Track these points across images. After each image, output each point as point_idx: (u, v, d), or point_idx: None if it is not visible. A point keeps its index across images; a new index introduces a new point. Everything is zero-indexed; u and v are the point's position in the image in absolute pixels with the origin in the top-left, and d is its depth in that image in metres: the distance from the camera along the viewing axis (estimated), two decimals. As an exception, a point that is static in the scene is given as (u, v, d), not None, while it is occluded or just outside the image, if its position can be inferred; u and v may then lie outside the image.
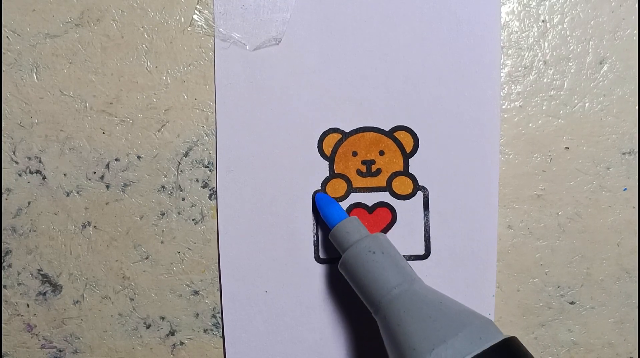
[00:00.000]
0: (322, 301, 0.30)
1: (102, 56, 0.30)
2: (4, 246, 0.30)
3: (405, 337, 0.24)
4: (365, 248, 0.26)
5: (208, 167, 0.30)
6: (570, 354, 0.31)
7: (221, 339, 0.31)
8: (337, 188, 0.30)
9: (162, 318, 0.31)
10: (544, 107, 0.30)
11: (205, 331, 0.31)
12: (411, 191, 0.30)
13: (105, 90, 0.30)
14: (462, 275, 0.30)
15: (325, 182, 0.30)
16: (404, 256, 0.30)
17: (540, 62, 0.30)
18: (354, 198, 0.30)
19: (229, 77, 0.30)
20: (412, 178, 0.30)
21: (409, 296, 0.25)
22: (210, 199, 0.30)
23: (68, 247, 0.30)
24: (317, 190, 0.30)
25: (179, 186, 0.30)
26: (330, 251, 0.30)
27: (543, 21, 0.30)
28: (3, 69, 0.30)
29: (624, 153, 0.30)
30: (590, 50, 0.30)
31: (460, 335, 0.23)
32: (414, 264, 0.30)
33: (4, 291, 0.31)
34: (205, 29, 0.30)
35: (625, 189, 0.30)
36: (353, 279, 0.27)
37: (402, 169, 0.30)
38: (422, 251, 0.30)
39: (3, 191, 0.30)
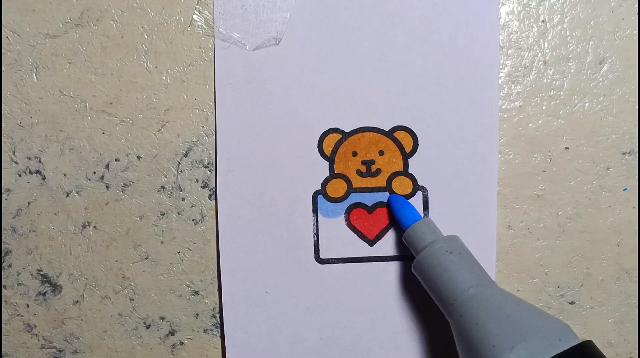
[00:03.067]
0: (322, 302, 0.30)
1: (101, 56, 0.30)
2: (4, 246, 0.30)
3: (483, 335, 0.24)
4: (442, 248, 0.27)
5: (208, 167, 0.30)
6: (570, 354, 0.31)
7: (221, 339, 0.31)
8: (337, 188, 0.30)
9: (162, 318, 0.31)
10: (543, 107, 0.30)
11: (205, 331, 0.31)
12: (411, 191, 0.30)
13: (105, 90, 0.30)
14: (462, 275, 0.30)
15: (325, 182, 0.30)
16: (403, 256, 0.30)
17: (540, 62, 0.30)
18: (354, 198, 0.30)
19: (228, 77, 0.30)
20: (412, 178, 0.30)
21: (486, 296, 0.25)
22: (210, 200, 0.30)
23: (68, 247, 0.30)
24: (391, 193, 0.30)
25: (179, 186, 0.30)
26: (331, 252, 0.30)
27: (543, 21, 0.30)
28: (3, 69, 0.30)
29: (623, 153, 0.30)
30: (590, 50, 0.30)
31: (540, 335, 0.23)
32: (413, 264, 0.30)
33: (4, 291, 0.31)
34: (205, 29, 0.30)
35: (625, 189, 0.30)
36: (428, 279, 0.27)
37: (401, 169, 0.30)
38: (422, 251, 0.30)
39: (3, 191, 0.30)
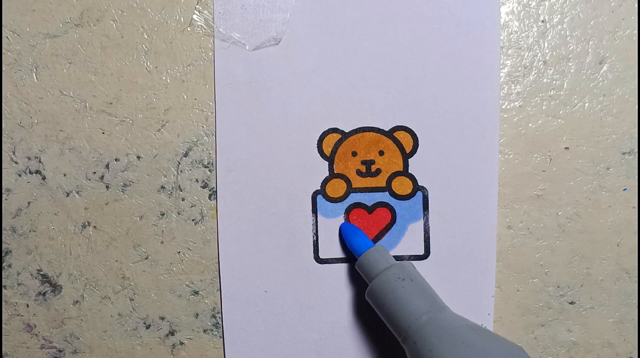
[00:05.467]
0: (322, 301, 0.30)
1: (101, 56, 0.30)
2: (4, 246, 0.30)
3: None
4: (394, 275, 0.27)
5: (208, 167, 0.30)
6: (570, 354, 0.31)
7: (221, 339, 0.31)
8: (336, 188, 0.30)
9: (162, 318, 0.31)
10: (543, 107, 0.30)
11: (205, 331, 0.31)
12: (411, 191, 0.30)
13: (105, 90, 0.30)
14: (462, 275, 0.30)
15: (325, 182, 0.30)
16: (403, 256, 0.30)
17: (540, 62, 0.30)
18: (354, 198, 0.30)
19: (228, 77, 0.30)
20: (412, 178, 0.30)
21: (439, 322, 0.25)
22: (210, 200, 0.30)
23: (68, 247, 0.30)
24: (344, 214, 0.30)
25: (179, 186, 0.30)
26: (330, 252, 0.30)
27: (543, 21, 0.30)
28: (3, 69, 0.30)
29: (623, 153, 0.30)
30: (590, 50, 0.30)
31: None
32: (413, 264, 0.30)
33: (4, 291, 0.31)
34: (204, 29, 0.30)
35: (625, 189, 0.30)
36: (381, 306, 0.27)
37: (401, 170, 0.30)
38: (421, 251, 0.30)
39: (3, 191, 0.30)
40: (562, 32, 0.30)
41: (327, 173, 0.30)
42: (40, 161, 0.30)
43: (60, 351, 0.31)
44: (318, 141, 0.30)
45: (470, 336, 0.24)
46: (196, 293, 0.31)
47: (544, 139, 0.30)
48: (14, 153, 0.30)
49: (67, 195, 0.30)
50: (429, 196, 0.30)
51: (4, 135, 0.30)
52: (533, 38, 0.30)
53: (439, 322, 0.25)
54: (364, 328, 0.30)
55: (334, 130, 0.30)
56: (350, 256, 0.30)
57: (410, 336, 0.25)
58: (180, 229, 0.30)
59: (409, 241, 0.30)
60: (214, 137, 0.30)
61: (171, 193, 0.30)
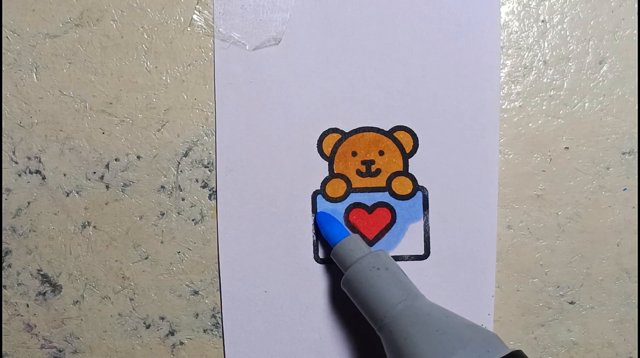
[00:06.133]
0: (322, 301, 0.30)
1: (101, 56, 0.30)
2: (4, 246, 0.30)
3: (413, 351, 0.24)
4: (369, 264, 0.27)
5: (208, 167, 0.30)
6: (570, 354, 0.31)
7: (221, 339, 0.31)
8: (336, 188, 0.30)
9: (162, 318, 0.31)
10: (543, 107, 0.30)
11: (205, 331, 0.31)
12: (411, 191, 0.30)
13: (105, 90, 0.30)
14: (462, 275, 0.30)
15: (324, 182, 0.30)
16: (403, 256, 0.30)
17: (540, 62, 0.30)
18: (354, 198, 0.30)
19: (228, 77, 0.30)
20: (412, 178, 0.30)
21: (414, 311, 0.25)
22: (210, 199, 0.30)
23: (68, 247, 0.30)
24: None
25: (179, 186, 0.30)
26: (330, 251, 0.30)
27: (543, 21, 0.30)
28: (3, 69, 0.30)
29: (623, 153, 0.30)
30: (590, 50, 0.30)
31: (469, 347, 0.23)
32: (413, 264, 0.30)
33: (4, 291, 0.31)
34: (204, 29, 0.30)
35: (625, 189, 0.30)
36: (357, 296, 0.27)
37: (401, 169, 0.30)
38: (421, 251, 0.30)
39: (3, 191, 0.30)
40: (562, 32, 0.30)
41: (327, 173, 0.30)
42: (40, 161, 0.30)
43: (60, 351, 0.31)
44: (318, 141, 0.30)
45: (445, 323, 0.24)
46: (196, 293, 0.31)
47: (544, 139, 0.30)
48: (14, 153, 0.30)
49: (67, 195, 0.30)
50: (429, 196, 0.30)
51: (4, 135, 0.30)
52: (533, 38, 0.30)
53: (414, 310, 0.25)
54: (364, 328, 0.30)
55: (334, 130, 0.30)
56: (350, 256, 0.30)
57: (386, 325, 0.25)
58: (180, 229, 0.30)
59: (409, 241, 0.30)
60: (214, 137, 0.30)
61: (171, 193, 0.30)
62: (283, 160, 0.30)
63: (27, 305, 0.31)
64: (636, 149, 0.30)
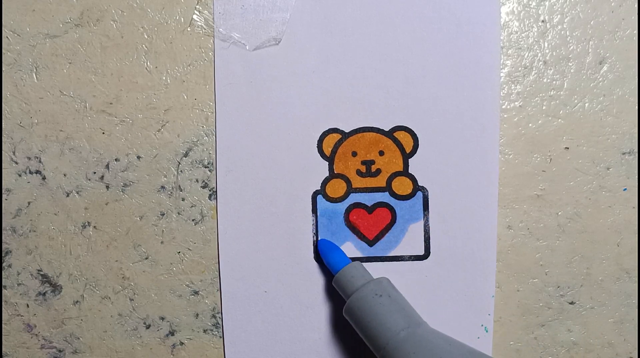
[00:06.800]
0: (322, 301, 0.30)
1: (101, 56, 0.30)
2: (4, 246, 0.30)
3: None
4: (372, 291, 0.27)
5: (208, 167, 0.30)
6: (570, 354, 0.31)
7: (221, 339, 0.31)
8: (336, 188, 0.30)
9: (162, 319, 0.31)
10: (543, 107, 0.30)
11: (205, 331, 0.31)
12: (411, 191, 0.30)
13: (105, 90, 0.30)
14: (462, 275, 0.30)
15: (325, 182, 0.30)
16: (403, 256, 0.30)
17: (540, 62, 0.30)
18: (354, 198, 0.30)
19: (228, 77, 0.30)
20: (412, 178, 0.30)
21: (417, 338, 0.25)
22: (210, 200, 0.30)
23: (68, 247, 0.30)
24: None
25: (179, 186, 0.30)
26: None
27: (543, 21, 0.30)
28: (3, 69, 0.30)
29: (623, 153, 0.30)
30: (590, 50, 0.30)
31: None
32: (413, 264, 0.30)
33: (4, 291, 0.31)
34: (205, 29, 0.30)
35: (625, 189, 0.30)
36: (359, 323, 0.27)
37: (401, 170, 0.30)
38: (421, 252, 0.30)
39: (3, 191, 0.30)
40: (562, 32, 0.30)
41: (327, 173, 0.30)
42: (40, 161, 0.30)
43: (60, 351, 0.31)
44: (318, 141, 0.30)
45: (448, 351, 0.25)
46: (196, 293, 0.31)
47: (544, 139, 0.30)
48: (14, 153, 0.30)
49: (67, 195, 0.30)
50: (429, 196, 0.30)
51: (4, 135, 0.30)
52: (533, 38, 0.30)
53: (417, 338, 0.25)
54: (364, 328, 0.30)
55: (334, 130, 0.30)
56: (352, 255, 0.30)
57: (389, 353, 0.25)
58: (180, 229, 0.30)
59: (409, 242, 0.30)
60: (214, 137, 0.30)
61: (171, 193, 0.30)
62: (283, 160, 0.30)
63: (27, 305, 0.31)
64: (636, 149, 0.30)
